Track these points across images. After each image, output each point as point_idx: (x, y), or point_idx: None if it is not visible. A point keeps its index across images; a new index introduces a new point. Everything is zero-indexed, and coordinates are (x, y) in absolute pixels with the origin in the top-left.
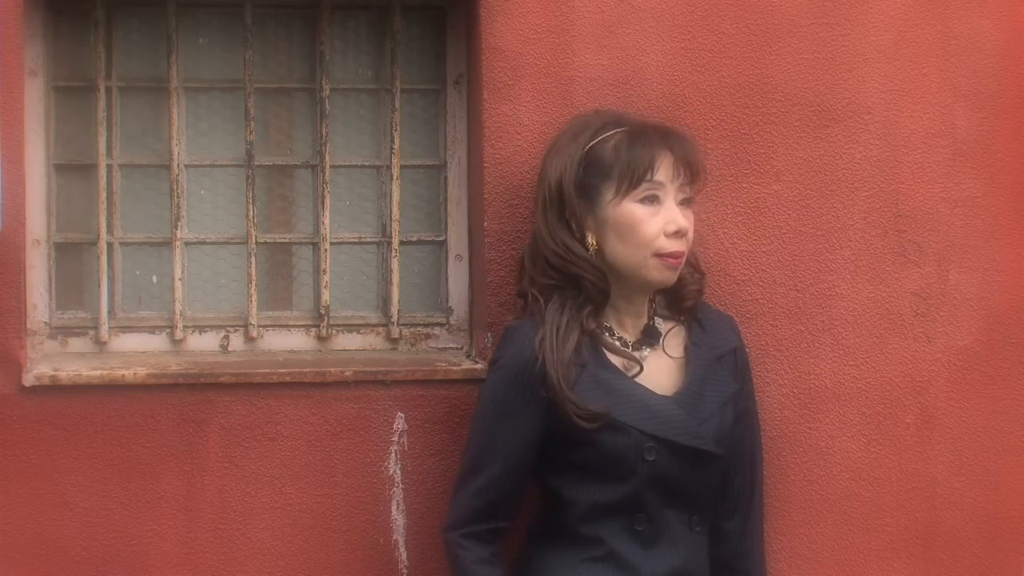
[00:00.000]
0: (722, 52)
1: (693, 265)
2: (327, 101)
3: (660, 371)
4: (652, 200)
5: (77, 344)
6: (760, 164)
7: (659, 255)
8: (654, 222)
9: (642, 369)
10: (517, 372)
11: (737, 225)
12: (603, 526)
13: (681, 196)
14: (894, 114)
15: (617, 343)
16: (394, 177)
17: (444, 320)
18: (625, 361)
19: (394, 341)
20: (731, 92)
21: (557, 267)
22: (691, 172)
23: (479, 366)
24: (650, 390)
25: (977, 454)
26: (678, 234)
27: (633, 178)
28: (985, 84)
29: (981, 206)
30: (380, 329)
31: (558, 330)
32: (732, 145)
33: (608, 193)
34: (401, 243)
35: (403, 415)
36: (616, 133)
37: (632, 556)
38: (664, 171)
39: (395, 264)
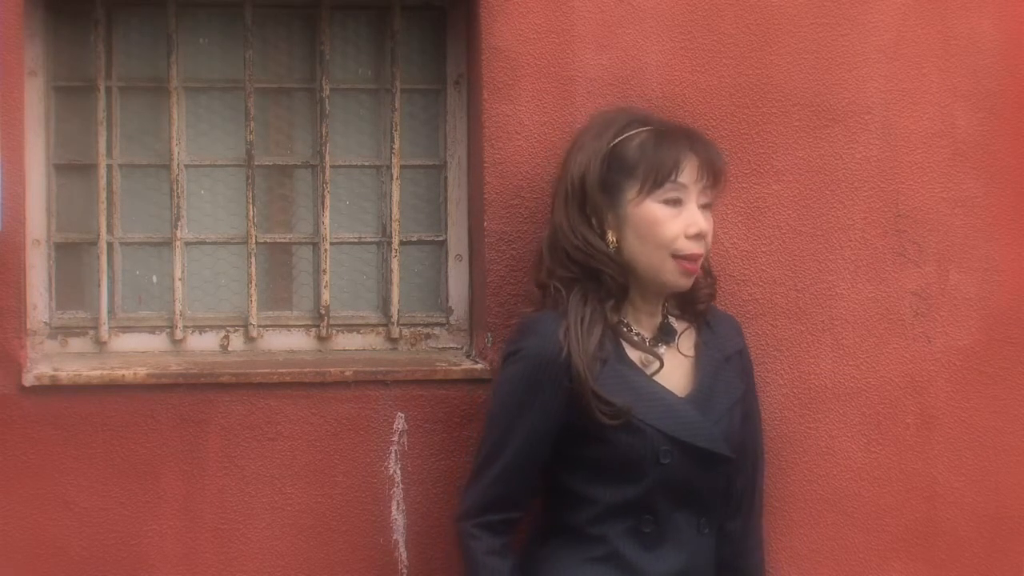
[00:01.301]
0: (722, 52)
1: (705, 269)
2: (327, 101)
3: (674, 370)
4: (675, 202)
5: (77, 344)
6: (760, 164)
7: (677, 257)
8: (675, 223)
9: (662, 366)
10: (540, 363)
11: (737, 225)
12: (609, 526)
13: (703, 199)
14: (894, 114)
15: (636, 338)
16: (394, 177)
17: (444, 320)
18: (643, 357)
19: (394, 341)
20: (731, 92)
21: (577, 260)
22: (714, 176)
23: (479, 366)
24: (667, 389)
25: (977, 454)
26: (698, 236)
27: (657, 178)
28: (985, 84)
29: (981, 206)
30: (380, 329)
31: (582, 321)
32: (732, 145)
33: (631, 192)
34: (401, 243)
35: (403, 415)
36: (642, 132)
37: (635, 557)
38: (688, 173)
39: (395, 264)
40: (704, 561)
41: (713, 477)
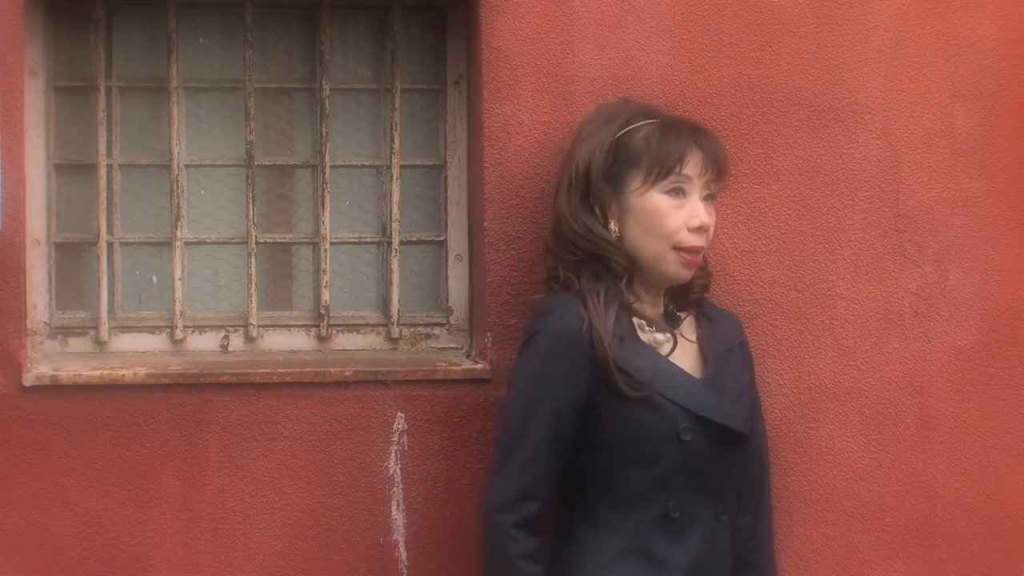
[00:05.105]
0: (722, 52)
1: (701, 266)
2: (327, 101)
3: (683, 355)
4: (678, 193)
5: (77, 344)
6: (760, 164)
7: (679, 249)
8: (678, 215)
9: (675, 345)
10: (562, 339)
11: (737, 225)
12: (634, 514)
13: (706, 192)
14: (894, 114)
15: (645, 322)
16: (394, 177)
17: (444, 320)
18: (653, 339)
19: (394, 341)
20: (731, 92)
21: (580, 247)
22: (718, 170)
23: (479, 366)
24: (683, 369)
25: (977, 454)
26: (700, 229)
27: (662, 169)
28: (985, 84)
29: (981, 206)
30: (380, 329)
31: (598, 296)
32: (732, 145)
33: (635, 182)
34: (401, 243)
35: (403, 415)
36: (648, 124)
37: (661, 546)
38: (693, 166)
39: (395, 264)
40: (723, 551)
41: (730, 459)
